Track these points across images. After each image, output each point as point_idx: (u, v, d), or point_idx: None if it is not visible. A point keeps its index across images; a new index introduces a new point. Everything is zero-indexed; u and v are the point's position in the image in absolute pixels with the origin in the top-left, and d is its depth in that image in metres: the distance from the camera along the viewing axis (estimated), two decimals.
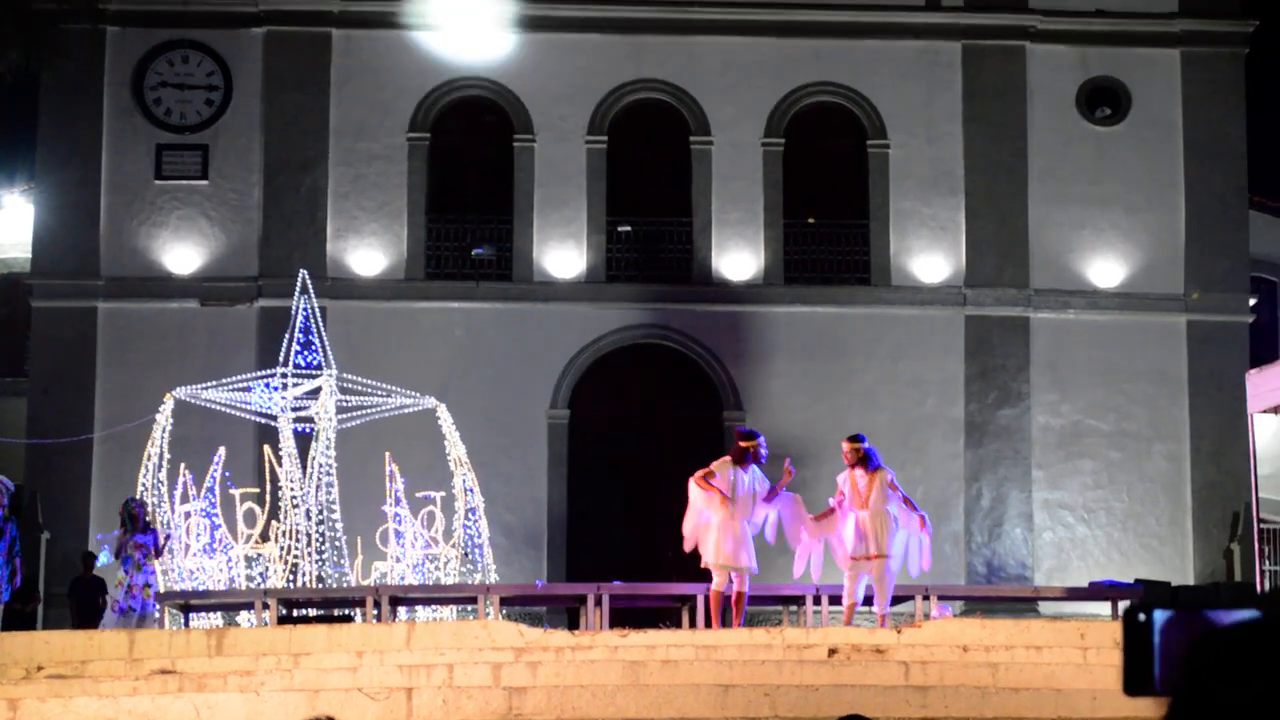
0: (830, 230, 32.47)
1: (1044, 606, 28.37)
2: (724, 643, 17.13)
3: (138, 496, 24.65)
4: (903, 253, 32.27)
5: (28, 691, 15.60)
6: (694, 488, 19.48)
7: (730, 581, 19.49)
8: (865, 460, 19.62)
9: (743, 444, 19.71)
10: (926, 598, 22.37)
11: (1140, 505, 31.98)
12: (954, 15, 32.58)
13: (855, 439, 19.96)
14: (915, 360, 31.95)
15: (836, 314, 32.07)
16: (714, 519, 19.24)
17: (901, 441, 31.63)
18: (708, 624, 20.28)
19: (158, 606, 23.32)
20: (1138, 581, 25.38)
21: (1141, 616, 3.70)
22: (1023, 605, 27.63)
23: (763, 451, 19.65)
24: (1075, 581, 29.58)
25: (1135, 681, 3.69)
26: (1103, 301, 32.31)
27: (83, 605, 26.18)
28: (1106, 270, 32.39)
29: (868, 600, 19.98)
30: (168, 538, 23.93)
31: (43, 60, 30.10)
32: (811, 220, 32.54)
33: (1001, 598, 26.62)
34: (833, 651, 16.46)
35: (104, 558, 25.38)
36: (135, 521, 23.51)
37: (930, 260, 32.26)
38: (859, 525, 19.43)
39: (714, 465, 19.59)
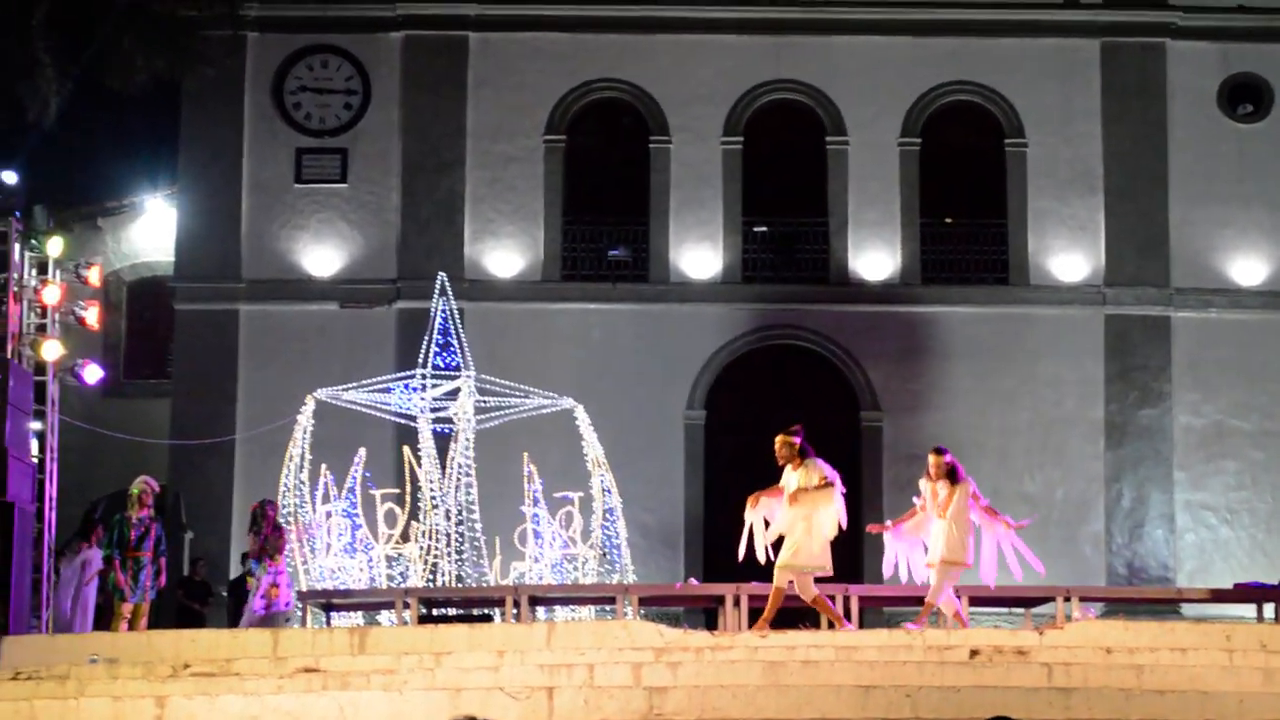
0: (968, 230, 32.28)
1: (1186, 608, 28.06)
2: (864, 644, 17.08)
3: (279, 498, 24.90)
4: (1041, 252, 32.04)
5: (175, 689, 15.79)
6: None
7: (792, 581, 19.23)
8: (951, 474, 19.50)
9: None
10: (1068, 599, 22.19)
11: None
12: (1093, 12, 32.31)
13: (940, 451, 19.84)
14: (1054, 360, 31.70)
15: (974, 314, 31.87)
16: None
17: (1041, 442, 31.39)
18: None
19: (292, 604, 23.52)
20: None
21: None
22: (1163, 607, 27.34)
23: (794, 441, 19.15)
24: (1218, 583, 29.21)
25: None
26: (1245, 300, 31.92)
27: (240, 605, 26.45)
28: (1249, 269, 32.01)
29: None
30: (278, 535, 23.92)
31: (185, 67, 30.44)
32: (949, 220, 32.36)
33: (1145, 599, 26.33)
34: (974, 653, 16.37)
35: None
36: (264, 522, 23.75)
37: (1069, 259, 32.00)
38: (937, 532, 19.36)
39: None
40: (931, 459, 19.78)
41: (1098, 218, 32.09)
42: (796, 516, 18.84)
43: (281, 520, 24.35)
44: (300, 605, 23.70)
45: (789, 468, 19.14)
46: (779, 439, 19.23)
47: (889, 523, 19.93)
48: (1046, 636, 17.18)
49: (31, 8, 28.52)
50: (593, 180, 32.71)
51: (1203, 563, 31.33)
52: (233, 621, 25.49)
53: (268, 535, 23.80)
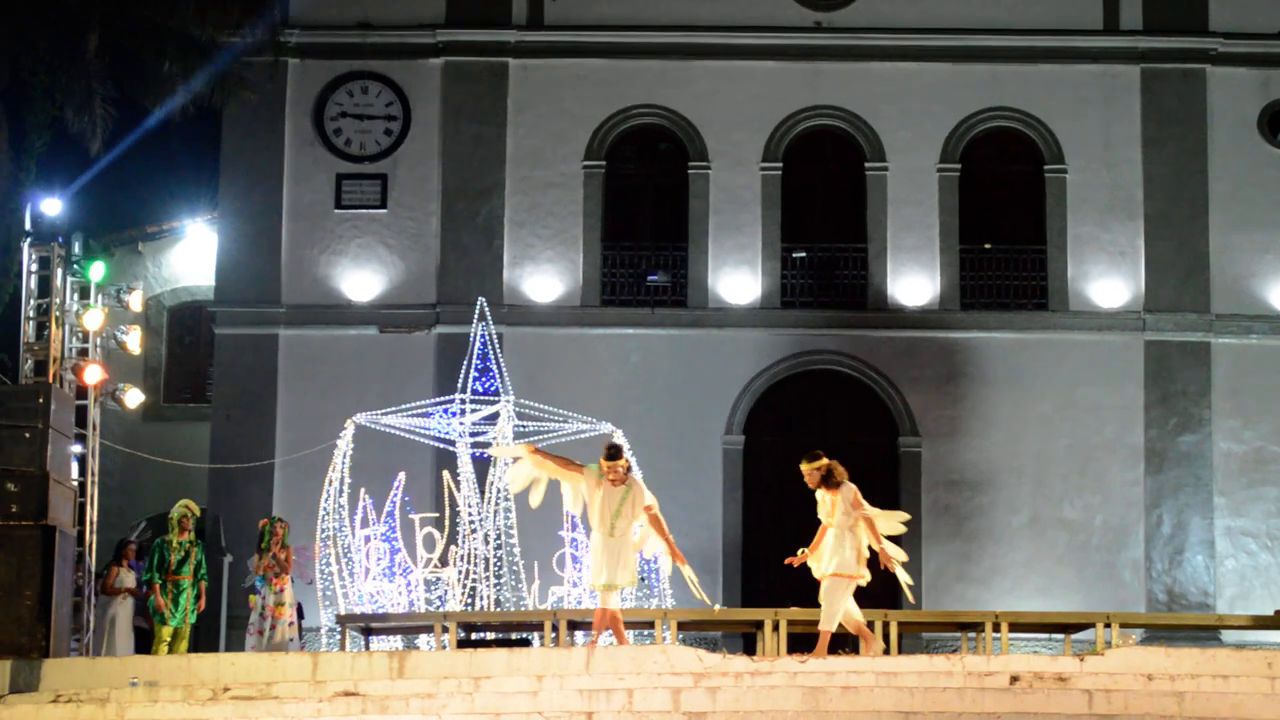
0: (1007, 256, 32.24)
1: (1226, 635, 27.94)
2: (904, 669, 17.02)
3: (318, 522, 24.97)
4: (1081, 278, 31.98)
5: (215, 713, 15.83)
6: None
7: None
8: (826, 480, 18.72)
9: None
10: (1108, 625, 22.09)
11: None
12: (1133, 39, 32.26)
13: (810, 459, 18.78)
14: (1094, 386, 31.63)
15: (1013, 339, 31.82)
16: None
17: (1080, 468, 31.31)
18: None
19: (292, 622, 23.61)
20: None
21: None
22: (1204, 633, 27.22)
23: (626, 460, 18.51)
24: (1258, 610, 29.15)
25: None
26: None
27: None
28: None
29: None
30: (285, 554, 23.98)
31: (226, 93, 30.60)
32: (988, 245, 32.33)
33: (1186, 626, 26.20)
34: (1015, 679, 16.31)
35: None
36: (272, 540, 23.84)
37: (1109, 285, 31.93)
38: (825, 544, 18.74)
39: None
40: (802, 468, 18.82)
41: (1137, 243, 32.03)
42: (614, 541, 18.51)
43: (291, 541, 24.44)
44: (340, 628, 23.74)
45: (608, 485, 18.61)
46: (607, 464, 18.40)
47: (803, 551, 18.88)
48: (1087, 663, 17.10)
49: (83, 38, 28.68)
50: (631, 205, 32.77)
51: (1243, 589, 31.21)
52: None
53: (274, 554, 23.90)
